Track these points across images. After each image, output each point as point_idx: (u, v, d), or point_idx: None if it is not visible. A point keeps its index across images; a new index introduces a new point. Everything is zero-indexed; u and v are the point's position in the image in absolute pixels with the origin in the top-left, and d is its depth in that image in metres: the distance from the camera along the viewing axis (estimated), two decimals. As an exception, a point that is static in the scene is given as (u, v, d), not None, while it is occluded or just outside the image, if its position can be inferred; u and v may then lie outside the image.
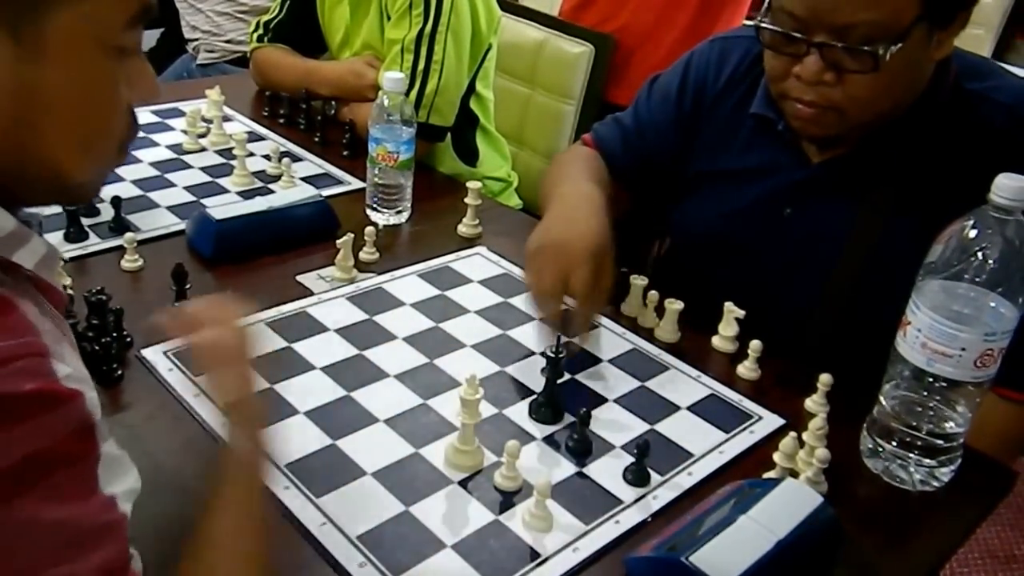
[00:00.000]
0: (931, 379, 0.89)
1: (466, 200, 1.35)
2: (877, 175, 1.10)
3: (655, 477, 0.90)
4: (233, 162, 1.45)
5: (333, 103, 1.69)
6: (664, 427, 0.98)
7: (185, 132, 1.56)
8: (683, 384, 1.06)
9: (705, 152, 1.26)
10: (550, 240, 1.07)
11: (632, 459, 0.90)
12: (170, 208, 1.34)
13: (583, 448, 0.93)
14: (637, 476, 0.89)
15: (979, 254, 0.86)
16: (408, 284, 1.21)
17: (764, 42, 1.06)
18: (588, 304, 1.04)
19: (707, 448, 0.95)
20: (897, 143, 1.08)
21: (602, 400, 1.01)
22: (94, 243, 1.23)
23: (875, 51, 0.97)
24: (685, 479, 0.91)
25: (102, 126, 0.60)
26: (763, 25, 1.05)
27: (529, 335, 1.11)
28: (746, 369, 1.08)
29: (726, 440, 0.97)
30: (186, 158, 1.51)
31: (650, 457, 0.89)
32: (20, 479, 0.48)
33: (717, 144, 1.24)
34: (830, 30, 0.98)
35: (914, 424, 0.92)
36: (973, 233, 0.86)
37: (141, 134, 1.49)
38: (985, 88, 1.08)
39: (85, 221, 1.25)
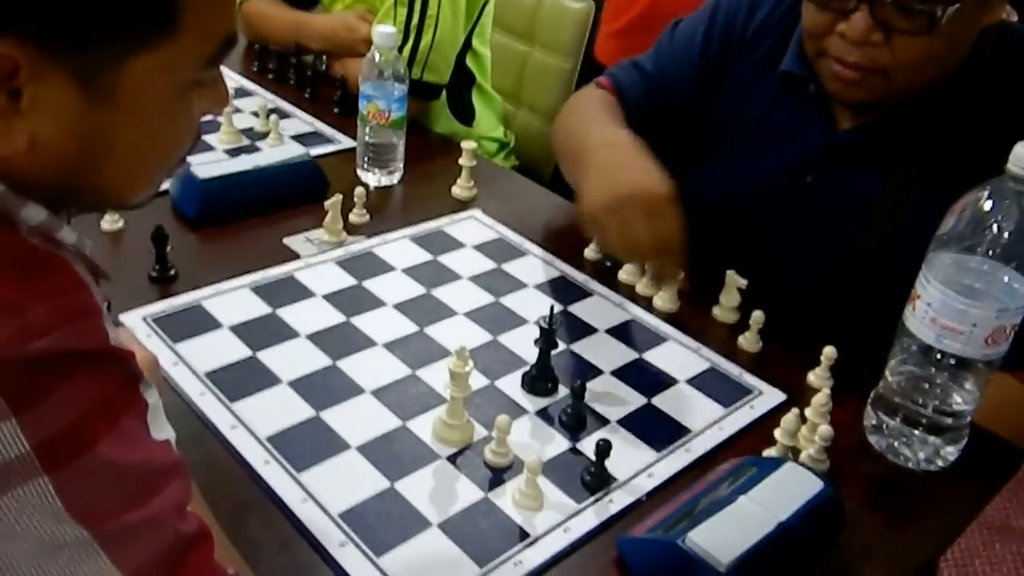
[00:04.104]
0: (939, 355, 0.86)
1: (460, 161, 1.30)
2: (910, 146, 1.04)
3: (651, 453, 0.87)
4: (220, 118, 1.40)
5: (324, 58, 1.63)
6: (661, 401, 0.94)
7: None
8: (682, 356, 1.02)
9: (727, 106, 1.18)
10: (627, 192, 0.98)
11: (629, 432, 0.87)
12: (154, 165, 1.30)
13: (577, 422, 0.89)
14: (596, 479, 0.82)
15: (994, 226, 0.82)
16: (399, 248, 1.17)
17: None
18: (679, 256, 1.00)
19: (706, 423, 0.92)
20: (935, 112, 1.02)
21: (598, 372, 0.98)
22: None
23: (932, 11, 0.91)
24: (683, 456, 0.88)
25: (167, 160, 0.60)
26: None
27: (523, 303, 1.08)
28: (747, 341, 1.04)
29: (725, 415, 0.94)
30: (171, 114, 1.46)
31: (611, 458, 0.82)
32: (95, 426, 0.50)
33: (740, 99, 1.16)
34: None
35: (920, 401, 0.88)
36: (988, 204, 0.82)
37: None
38: None
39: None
